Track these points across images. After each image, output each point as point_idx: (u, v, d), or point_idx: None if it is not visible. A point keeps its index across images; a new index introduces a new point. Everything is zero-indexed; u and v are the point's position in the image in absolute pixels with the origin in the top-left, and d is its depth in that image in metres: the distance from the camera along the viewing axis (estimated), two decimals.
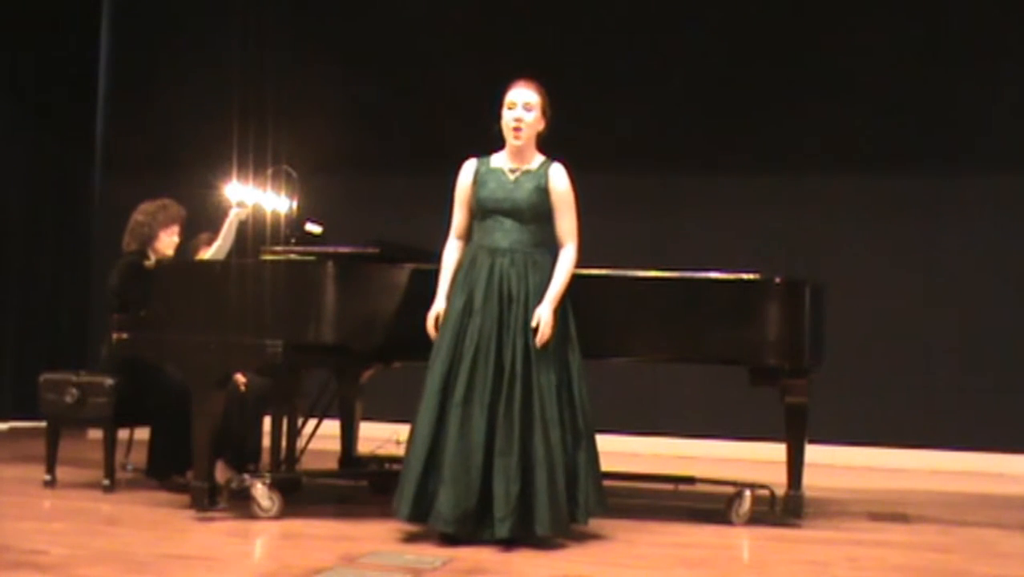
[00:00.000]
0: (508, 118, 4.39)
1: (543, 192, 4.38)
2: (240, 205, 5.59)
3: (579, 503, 4.26)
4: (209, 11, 8.47)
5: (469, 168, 4.48)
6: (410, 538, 4.21)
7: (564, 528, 4.21)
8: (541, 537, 4.15)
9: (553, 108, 4.47)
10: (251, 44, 8.13)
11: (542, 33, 8.13)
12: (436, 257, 4.53)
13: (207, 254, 5.60)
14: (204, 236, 5.78)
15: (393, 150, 8.02)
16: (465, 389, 4.20)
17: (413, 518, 4.22)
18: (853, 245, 7.69)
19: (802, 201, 7.80)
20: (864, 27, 7.82)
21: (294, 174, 5.55)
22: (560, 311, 4.34)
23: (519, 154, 4.44)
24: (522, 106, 4.38)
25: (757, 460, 6.60)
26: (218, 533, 4.38)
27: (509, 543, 4.10)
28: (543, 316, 4.25)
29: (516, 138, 4.39)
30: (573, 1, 8.25)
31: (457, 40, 8.00)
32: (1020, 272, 7.54)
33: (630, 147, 7.94)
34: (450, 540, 4.14)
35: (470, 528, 4.14)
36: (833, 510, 5.43)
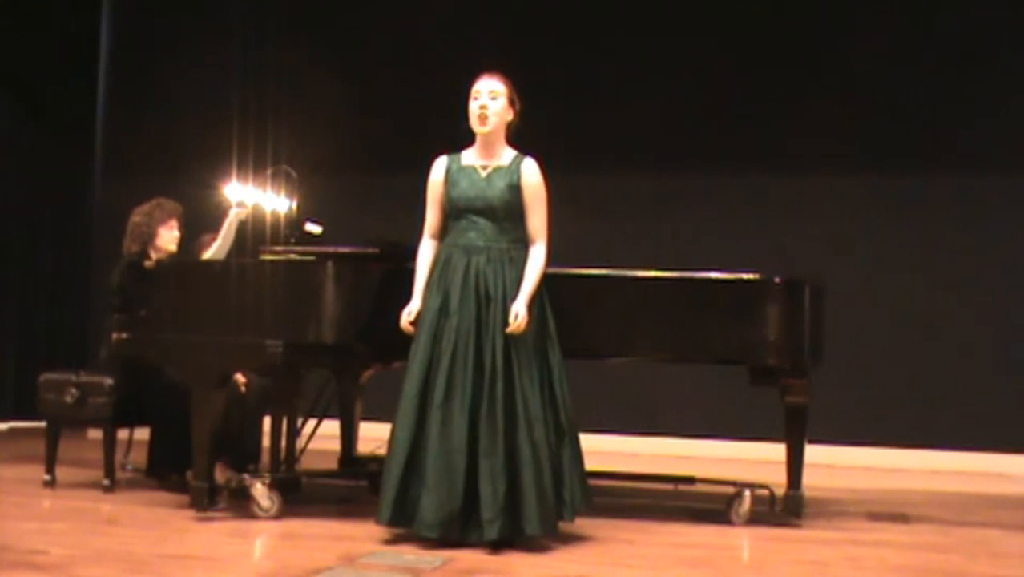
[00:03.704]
0: (473, 108, 4.33)
1: (515, 189, 4.32)
2: (240, 205, 5.59)
3: (566, 501, 4.24)
4: (209, 11, 8.47)
5: (440, 166, 4.42)
6: (410, 538, 4.20)
7: (553, 527, 4.19)
8: (530, 537, 4.12)
9: (526, 102, 4.41)
10: (251, 44, 8.13)
11: (543, 33, 8.13)
12: None
13: (207, 254, 5.61)
14: (207, 237, 5.78)
15: (393, 150, 8.01)
16: (445, 390, 4.16)
17: (394, 523, 4.19)
18: (853, 245, 7.69)
19: (802, 201, 7.80)
20: (864, 27, 7.82)
21: (294, 174, 5.55)
22: (538, 309, 4.30)
23: (489, 148, 4.38)
24: (486, 94, 4.32)
25: (757, 460, 6.59)
26: (218, 533, 4.38)
27: (498, 544, 4.08)
28: (519, 312, 4.18)
29: (482, 125, 4.31)
30: (573, 1, 8.25)
31: (457, 40, 8.00)
32: (1020, 272, 7.54)
33: (630, 147, 7.93)
34: (436, 544, 4.10)
35: (455, 531, 4.10)
36: (833, 510, 5.43)
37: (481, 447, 4.12)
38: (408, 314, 4.34)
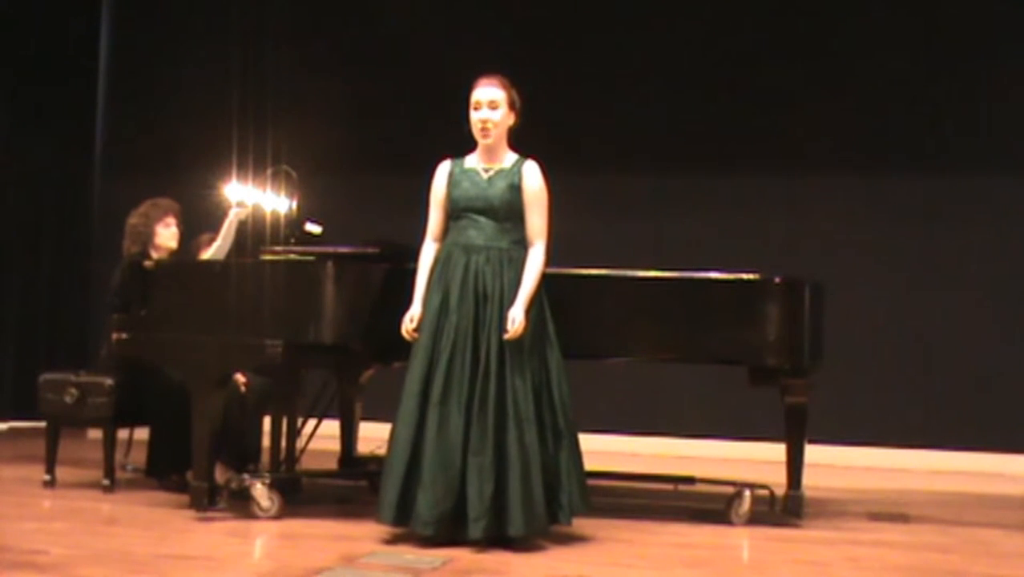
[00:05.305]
0: (475, 119, 4.35)
1: (516, 190, 4.33)
2: (240, 205, 5.59)
3: (562, 504, 4.23)
4: (209, 11, 8.47)
5: (443, 170, 4.44)
6: (409, 538, 4.20)
7: (539, 529, 4.17)
8: (514, 538, 4.11)
9: (523, 101, 4.41)
10: (251, 44, 8.13)
11: (543, 33, 8.13)
12: None
13: (207, 254, 5.61)
14: (205, 236, 5.79)
15: (393, 150, 8.01)
16: (443, 389, 4.17)
17: (396, 521, 4.19)
18: (853, 245, 7.69)
19: (802, 201, 7.80)
20: (865, 27, 7.82)
21: (294, 174, 5.55)
22: (537, 310, 4.29)
23: (491, 153, 4.39)
24: (487, 105, 4.33)
25: (757, 460, 6.59)
26: (218, 533, 4.38)
27: (492, 543, 4.08)
28: (516, 317, 4.19)
29: (485, 137, 4.34)
30: (574, 1, 8.25)
31: (457, 40, 8.00)
32: (1020, 272, 7.54)
33: (630, 147, 7.93)
34: (430, 542, 4.11)
35: (448, 529, 4.11)
36: (833, 510, 5.43)
37: (471, 446, 4.13)
38: (410, 320, 4.34)
